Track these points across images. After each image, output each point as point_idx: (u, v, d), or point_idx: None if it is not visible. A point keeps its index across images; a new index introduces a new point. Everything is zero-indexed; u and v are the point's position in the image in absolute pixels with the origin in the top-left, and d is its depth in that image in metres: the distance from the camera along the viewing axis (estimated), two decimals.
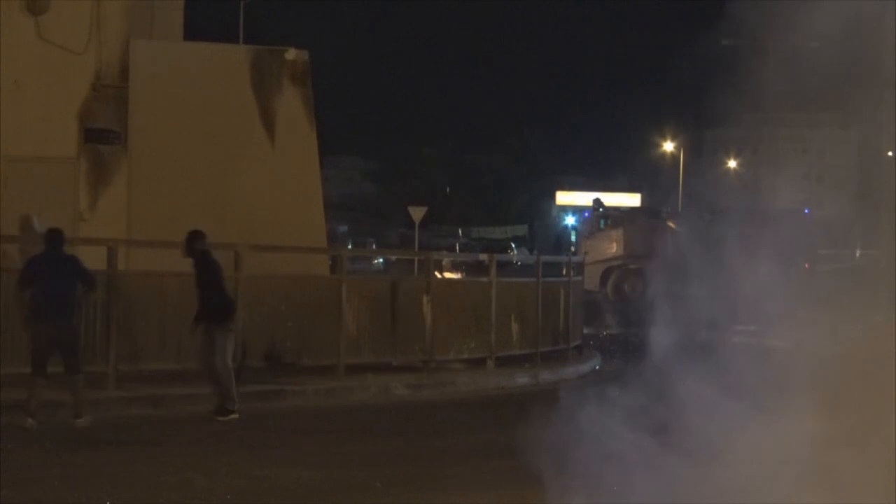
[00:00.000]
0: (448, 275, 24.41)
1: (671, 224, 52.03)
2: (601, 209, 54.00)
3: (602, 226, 52.72)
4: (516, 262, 41.60)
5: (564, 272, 26.48)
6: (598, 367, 24.25)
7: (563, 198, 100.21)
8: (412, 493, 11.94)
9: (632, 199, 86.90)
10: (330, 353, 19.93)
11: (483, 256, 25.57)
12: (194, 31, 25.43)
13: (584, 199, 79.75)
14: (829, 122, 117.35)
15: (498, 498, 11.85)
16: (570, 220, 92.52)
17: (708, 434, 9.48)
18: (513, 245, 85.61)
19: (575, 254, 39.40)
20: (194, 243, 16.64)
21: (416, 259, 31.21)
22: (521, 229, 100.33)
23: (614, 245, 50.56)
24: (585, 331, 27.51)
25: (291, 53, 23.58)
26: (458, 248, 76.08)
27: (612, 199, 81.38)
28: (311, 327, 19.91)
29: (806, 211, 62.06)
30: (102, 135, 22.08)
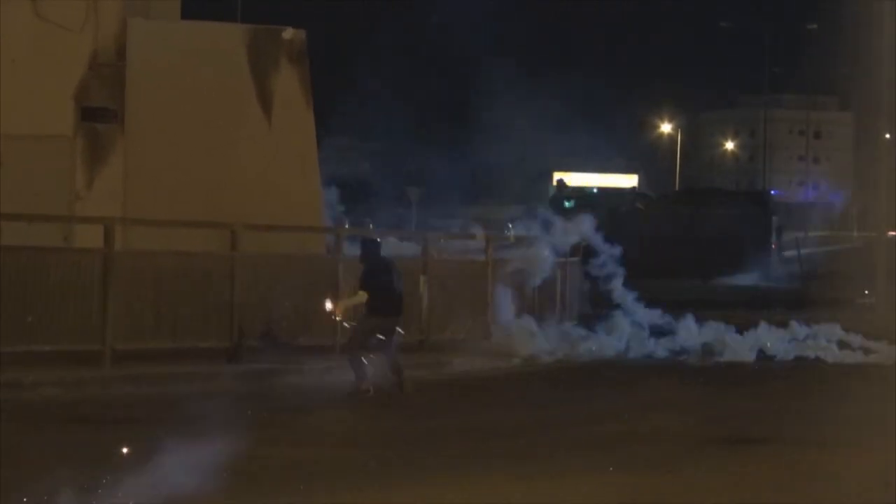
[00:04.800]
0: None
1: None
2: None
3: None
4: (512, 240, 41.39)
5: None
6: (594, 348, 24.22)
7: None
8: (408, 473, 11.94)
9: (629, 181, 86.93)
10: (326, 333, 19.91)
11: (479, 236, 25.54)
12: (192, 9, 25.32)
13: (581, 180, 79.80)
14: (827, 104, 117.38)
15: (494, 476, 11.86)
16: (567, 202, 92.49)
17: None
18: (509, 225, 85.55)
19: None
20: None
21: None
22: (518, 210, 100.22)
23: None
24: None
25: (289, 33, 23.47)
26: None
27: (609, 181, 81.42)
28: (308, 307, 19.88)
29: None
30: (99, 113, 22.04)
